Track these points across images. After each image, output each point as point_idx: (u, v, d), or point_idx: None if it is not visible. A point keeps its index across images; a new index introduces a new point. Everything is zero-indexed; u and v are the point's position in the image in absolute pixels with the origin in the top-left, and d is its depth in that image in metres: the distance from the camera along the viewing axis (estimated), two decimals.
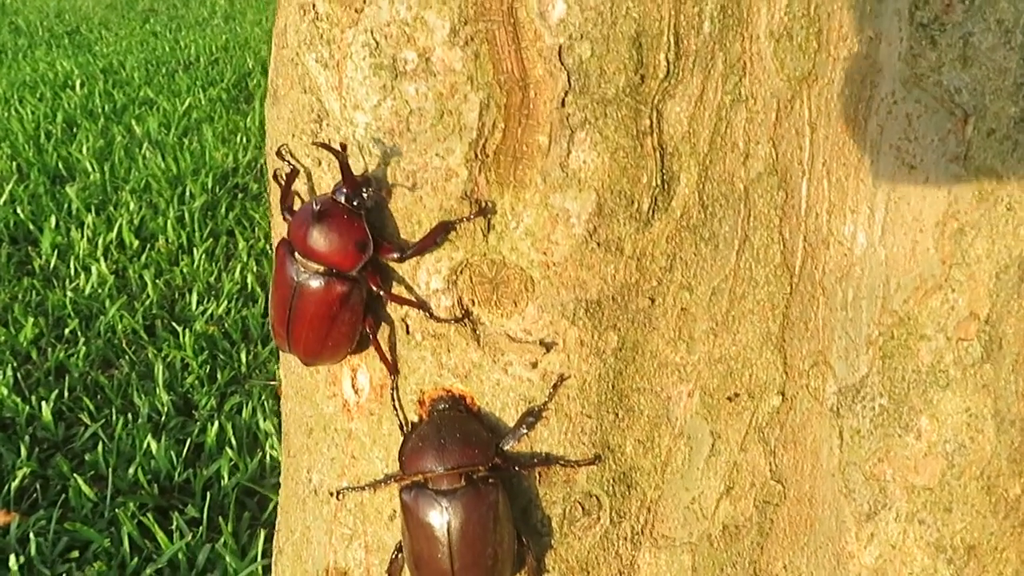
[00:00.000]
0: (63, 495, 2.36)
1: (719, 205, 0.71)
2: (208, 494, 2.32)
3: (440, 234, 0.71)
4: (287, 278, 0.75)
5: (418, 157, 0.70)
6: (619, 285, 0.71)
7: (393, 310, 0.74)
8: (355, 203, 0.71)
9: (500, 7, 0.65)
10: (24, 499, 2.39)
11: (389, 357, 0.76)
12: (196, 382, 2.69)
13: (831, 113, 0.72)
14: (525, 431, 0.73)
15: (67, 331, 2.87)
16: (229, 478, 2.39)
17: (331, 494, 0.81)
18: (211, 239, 3.22)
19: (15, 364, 2.75)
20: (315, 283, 0.73)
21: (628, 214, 0.69)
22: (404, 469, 0.73)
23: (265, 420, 2.54)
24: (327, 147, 0.70)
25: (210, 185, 3.51)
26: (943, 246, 0.75)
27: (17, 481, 2.38)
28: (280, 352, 0.87)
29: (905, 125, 0.73)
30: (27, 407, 2.58)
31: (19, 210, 3.31)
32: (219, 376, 2.69)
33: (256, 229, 3.27)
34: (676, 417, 0.76)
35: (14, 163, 3.71)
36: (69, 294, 2.99)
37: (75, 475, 2.36)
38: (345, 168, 0.71)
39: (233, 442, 2.48)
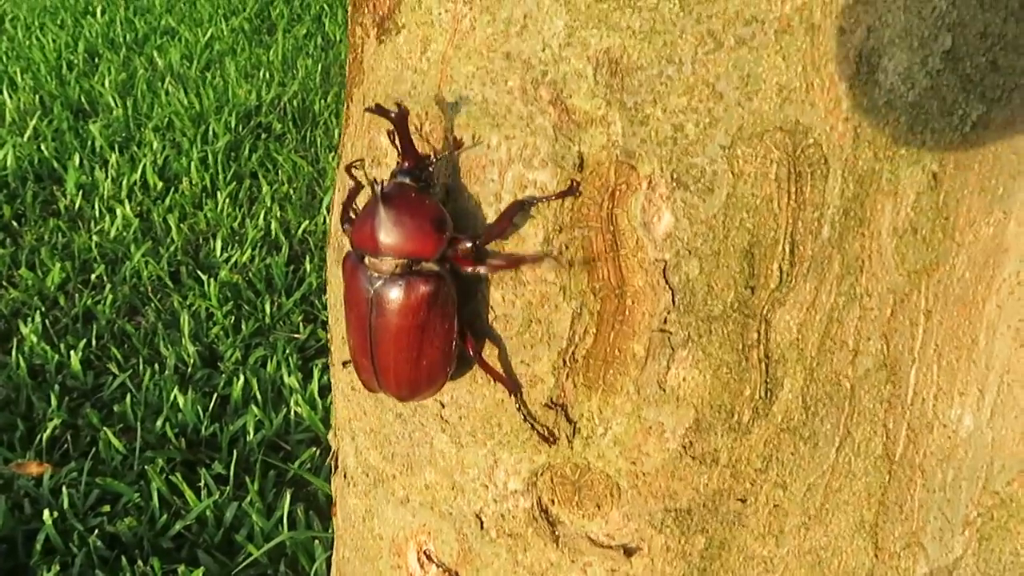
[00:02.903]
0: (93, 447, 2.31)
1: (822, 405, 0.62)
2: (234, 450, 2.28)
3: (516, 213, 0.57)
4: (361, 292, 0.61)
5: (500, 362, 0.61)
6: (711, 492, 0.63)
7: (467, 503, 0.66)
8: (422, 178, 0.58)
9: (599, 213, 0.55)
10: (55, 449, 2.35)
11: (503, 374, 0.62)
12: (221, 333, 2.62)
13: (948, 298, 0.63)
14: None
15: (93, 276, 2.78)
16: (254, 434, 2.35)
17: None
18: (234, 182, 3.10)
19: (43, 310, 2.68)
20: (395, 287, 0.59)
21: (727, 426, 0.60)
22: None
23: (290, 375, 2.48)
24: (383, 111, 0.56)
25: (233, 124, 3.36)
26: None
27: (48, 431, 2.33)
28: (333, 490, 0.79)
29: None
30: (56, 355, 2.51)
31: (43, 147, 3.18)
32: (243, 327, 2.62)
33: (279, 172, 3.14)
34: None
35: (37, 96, 3.56)
36: (95, 237, 2.89)
37: (104, 427, 2.31)
38: (405, 138, 0.57)
39: (258, 397, 2.42)
